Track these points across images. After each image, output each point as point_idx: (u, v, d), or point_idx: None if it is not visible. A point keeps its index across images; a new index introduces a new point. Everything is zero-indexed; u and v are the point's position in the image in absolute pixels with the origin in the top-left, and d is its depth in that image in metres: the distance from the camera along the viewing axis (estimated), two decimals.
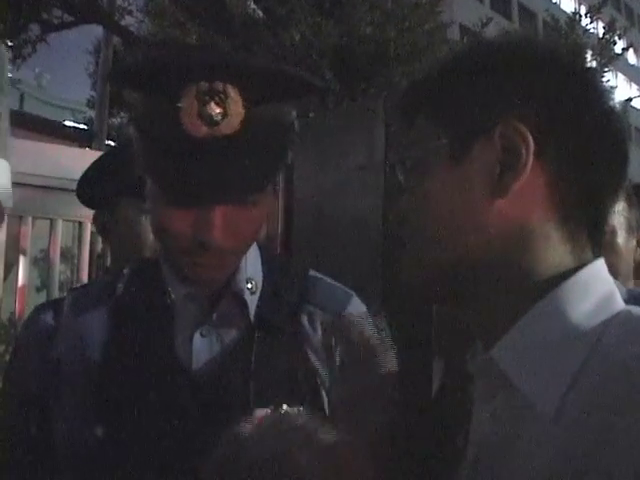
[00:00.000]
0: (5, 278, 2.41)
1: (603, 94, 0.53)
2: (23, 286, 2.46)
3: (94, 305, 0.81)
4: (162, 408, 0.72)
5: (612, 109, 0.53)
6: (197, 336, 0.77)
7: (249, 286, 0.79)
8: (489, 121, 0.51)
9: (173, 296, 0.78)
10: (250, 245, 0.79)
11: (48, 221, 2.50)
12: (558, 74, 0.52)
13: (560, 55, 0.54)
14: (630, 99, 13.04)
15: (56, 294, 2.48)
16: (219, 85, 0.67)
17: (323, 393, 0.77)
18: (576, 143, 0.51)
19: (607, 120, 0.53)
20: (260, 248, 0.85)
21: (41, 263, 2.72)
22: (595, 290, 0.50)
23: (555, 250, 0.51)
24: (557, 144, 0.50)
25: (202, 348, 0.76)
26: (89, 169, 1.33)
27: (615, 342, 0.46)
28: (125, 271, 0.85)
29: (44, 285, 2.70)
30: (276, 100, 0.72)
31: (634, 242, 1.29)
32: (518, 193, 0.50)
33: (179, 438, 0.70)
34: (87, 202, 1.38)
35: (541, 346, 0.49)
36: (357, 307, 0.86)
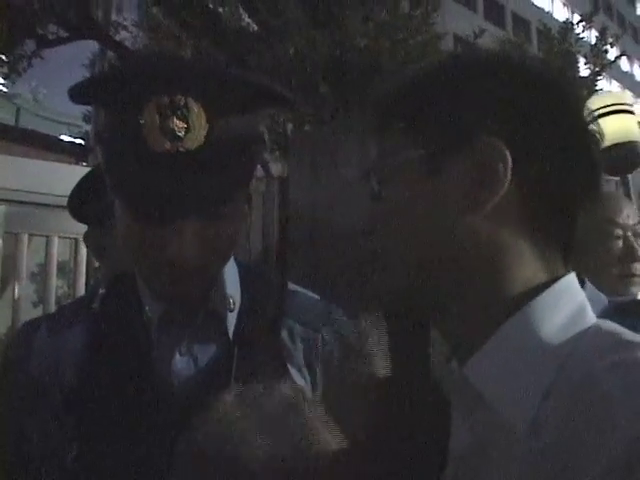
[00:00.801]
0: (1, 293, 2.41)
1: (577, 107, 0.53)
2: (19, 300, 2.47)
3: (71, 324, 0.79)
4: (142, 428, 0.71)
5: (586, 123, 0.53)
6: (176, 355, 0.75)
7: (227, 303, 0.77)
8: (464, 137, 0.50)
9: (150, 314, 0.76)
10: (225, 260, 0.77)
11: (44, 238, 2.51)
12: (531, 89, 0.51)
13: (535, 68, 0.53)
14: None
15: (53, 309, 2.48)
16: (180, 99, 0.65)
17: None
18: (548, 159, 0.50)
19: (580, 134, 0.52)
20: (237, 262, 0.83)
21: (38, 278, 2.72)
22: (565, 305, 0.50)
23: (528, 266, 0.50)
24: (529, 160, 0.50)
25: (181, 367, 0.75)
26: (81, 184, 1.29)
27: (586, 356, 0.46)
28: (101, 289, 0.83)
29: (41, 300, 2.71)
30: (242, 111, 0.70)
31: None
32: (490, 210, 0.49)
33: (159, 457, 0.69)
34: (80, 218, 1.34)
35: (513, 362, 0.49)
36: (337, 320, 0.84)
